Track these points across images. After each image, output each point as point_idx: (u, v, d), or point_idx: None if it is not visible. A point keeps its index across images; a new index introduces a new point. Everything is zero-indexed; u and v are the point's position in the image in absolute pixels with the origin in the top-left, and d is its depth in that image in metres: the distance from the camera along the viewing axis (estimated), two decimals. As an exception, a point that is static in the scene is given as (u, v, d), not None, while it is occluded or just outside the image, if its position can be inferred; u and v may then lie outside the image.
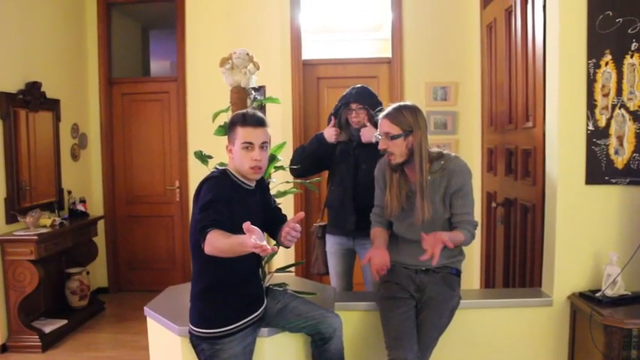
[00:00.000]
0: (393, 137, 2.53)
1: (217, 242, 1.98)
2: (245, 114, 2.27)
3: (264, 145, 2.26)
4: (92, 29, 5.63)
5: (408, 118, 2.54)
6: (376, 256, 2.56)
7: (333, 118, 3.21)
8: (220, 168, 2.36)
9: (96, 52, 5.65)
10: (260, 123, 2.26)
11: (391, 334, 2.44)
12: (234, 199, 2.19)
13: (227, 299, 2.28)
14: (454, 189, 2.57)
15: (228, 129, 2.31)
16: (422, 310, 2.52)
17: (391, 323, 2.47)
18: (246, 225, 1.87)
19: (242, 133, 2.23)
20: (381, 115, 2.61)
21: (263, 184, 2.49)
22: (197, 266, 2.31)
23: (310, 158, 3.21)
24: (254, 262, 2.37)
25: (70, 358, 4.18)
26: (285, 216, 2.49)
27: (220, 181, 2.24)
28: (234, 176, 2.29)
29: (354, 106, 3.12)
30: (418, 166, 2.53)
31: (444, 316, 2.52)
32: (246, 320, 2.31)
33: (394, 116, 2.55)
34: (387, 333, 2.47)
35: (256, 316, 2.37)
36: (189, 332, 2.33)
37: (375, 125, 3.09)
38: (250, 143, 2.22)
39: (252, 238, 1.84)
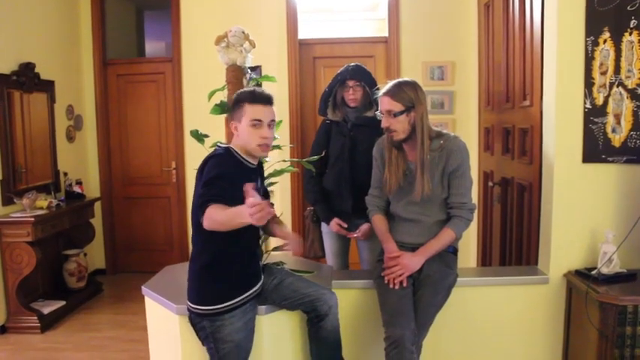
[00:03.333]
0: (396, 114, 2.51)
1: (216, 215, 1.98)
2: (253, 91, 2.25)
3: (271, 123, 2.25)
4: (86, 10, 5.57)
5: (409, 94, 2.52)
6: (409, 263, 2.54)
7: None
8: (223, 145, 2.32)
9: (90, 33, 5.59)
10: (269, 100, 2.25)
11: (388, 312, 2.45)
12: (237, 177, 2.15)
13: (227, 275, 2.28)
14: (452, 168, 2.56)
15: (233, 106, 2.28)
16: (419, 288, 2.52)
17: (388, 301, 2.48)
18: (247, 187, 1.86)
19: (251, 111, 2.21)
20: (380, 93, 2.59)
21: (261, 165, 2.49)
22: (198, 243, 2.30)
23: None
24: (254, 236, 2.38)
25: (69, 338, 4.20)
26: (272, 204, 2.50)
27: (225, 158, 2.22)
28: (238, 154, 2.27)
29: (350, 83, 3.09)
30: (420, 142, 2.52)
31: (440, 293, 2.53)
32: (245, 295, 2.31)
33: (395, 93, 2.52)
34: (384, 311, 2.48)
35: (254, 292, 2.37)
36: (188, 310, 2.33)
37: (371, 103, 3.07)
38: (259, 121, 2.20)
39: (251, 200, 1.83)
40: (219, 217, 1.97)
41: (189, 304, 2.32)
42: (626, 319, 2.44)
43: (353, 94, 3.10)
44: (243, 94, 2.26)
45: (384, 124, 2.56)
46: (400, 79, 2.61)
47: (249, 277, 2.37)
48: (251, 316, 2.36)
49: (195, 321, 2.31)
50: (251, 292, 2.35)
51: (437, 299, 2.51)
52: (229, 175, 2.13)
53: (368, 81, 3.10)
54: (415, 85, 2.56)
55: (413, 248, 2.60)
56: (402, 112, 2.51)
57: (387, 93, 2.54)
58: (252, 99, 2.22)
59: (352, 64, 3.18)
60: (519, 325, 2.87)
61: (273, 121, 2.27)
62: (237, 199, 1.97)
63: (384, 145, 2.67)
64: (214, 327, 2.25)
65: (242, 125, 2.23)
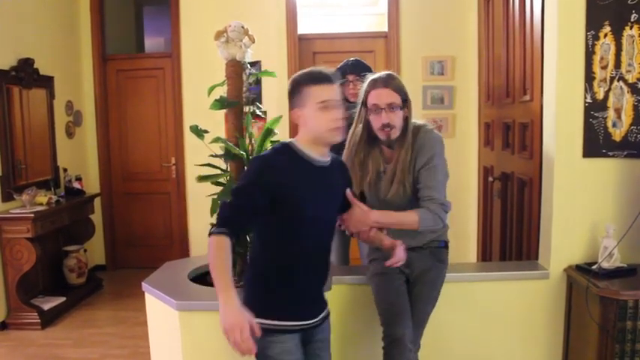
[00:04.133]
0: (399, 107, 2.34)
1: (212, 255, 1.81)
2: (312, 72, 2.00)
3: (339, 104, 1.99)
4: (85, 5, 5.55)
5: (402, 85, 2.39)
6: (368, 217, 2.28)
7: None
8: (284, 142, 2.05)
9: (89, 29, 5.58)
10: (333, 79, 2.00)
11: (387, 311, 2.41)
12: (295, 180, 1.93)
13: (282, 291, 2.01)
14: (421, 164, 2.36)
15: (291, 92, 2.01)
16: (414, 285, 2.49)
17: (386, 299, 2.45)
18: None
19: (316, 92, 1.95)
20: (375, 86, 2.36)
21: (341, 162, 2.26)
22: (256, 246, 2.09)
23: None
24: (322, 250, 2.12)
25: (69, 334, 4.20)
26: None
27: (271, 161, 1.96)
28: (300, 151, 1.99)
29: (351, 77, 3.09)
30: (408, 139, 2.36)
31: (436, 289, 2.51)
32: (299, 324, 2.03)
33: (393, 83, 2.36)
34: (382, 309, 2.44)
35: (311, 324, 2.07)
36: None
37: None
38: (328, 101, 1.95)
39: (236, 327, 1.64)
40: (211, 257, 1.81)
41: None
42: (627, 314, 2.44)
43: (353, 89, 3.09)
44: (302, 76, 2.01)
45: (383, 120, 2.34)
46: (385, 72, 2.45)
47: (306, 301, 2.08)
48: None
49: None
50: (306, 323, 2.06)
51: (434, 295, 2.49)
52: (264, 184, 1.89)
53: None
54: (397, 75, 2.45)
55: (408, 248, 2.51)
56: (402, 106, 2.35)
57: (387, 84, 2.35)
58: (315, 79, 1.96)
59: (352, 58, 3.18)
60: (520, 320, 2.86)
61: (339, 100, 2.00)
62: (300, 206, 1.90)
63: (357, 148, 2.46)
64: (265, 342, 1.93)
65: (308, 111, 1.96)
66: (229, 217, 1.88)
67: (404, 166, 2.37)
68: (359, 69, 3.10)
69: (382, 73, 2.42)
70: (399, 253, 2.22)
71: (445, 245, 2.61)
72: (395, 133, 2.36)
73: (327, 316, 2.15)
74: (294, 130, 4.97)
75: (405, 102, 2.37)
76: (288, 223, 1.96)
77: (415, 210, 2.33)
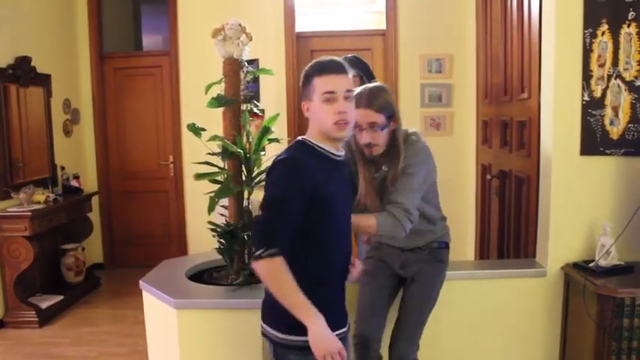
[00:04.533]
0: (381, 127, 2.25)
1: (277, 282, 1.74)
2: (319, 61, 1.87)
3: (348, 95, 1.84)
4: (82, 3, 5.54)
5: (388, 100, 2.27)
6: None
7: None
8: (298, 139, 1.92)
9: (86, 27, 5.56)
10: (341, 68, 1.85)
11: (360, 309, 2.40)
12: (324, 178, 1.80)
13: (322, 301, 1.80)
14: (399, 171, 2.27)
15: (303, 85, 1.91)
16: (410, 284, 2.46)
17: (362, 298, 2.44)
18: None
19: (320, 84, 1.82)
20: (358, 105, 2.16)
21: (347, 155, 2.11)
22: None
23: None
24: (345, 262, 1.98)
25: (66, 333, 4.20)
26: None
27: (300, 160, 1.81)
28: (318, 147, 1.87)
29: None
30: (398, 152, 2.27)
31: (436, 289, 2.49)
32: (340, 331, 1.90)
33: (376, 103, 2.24)
34: (357, 307, 2.43)
35: (341, 333, 1.91)
36: (271, 341, 1.89)
37: None
38: (332, 92, 1.80)
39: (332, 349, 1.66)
40: (276, 284, 1.74)
41: (272, 331, 1.87)
42: (624, 312, 2.44)
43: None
44: (310, 67, 1.89)
45: (364, 140, 2.26)
46: (370, 86, 2.34)
47: (340, 309, 1.96)
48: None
49: (280, 354, 1.87)
50: (343, 330, 1.93)
51: (432, 295, 2.47)
52: (300, 187, 1.76)
53: (365, 71, 3.09)
54: (386, 89, 2.34)
55: (402, 249, 2.52)
56: (386, 125, 2.26)
57: (369, 105, 2.23)
58: (319, 70, 1.84)
59: (350, 54, 3.17)
60: (517, 317, 2.87)
61: (351, 91, 1.85)
62: (331, 207, 1.80)
63: (355, 158, 2.38)
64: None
65: (314, 104, 1.84)
66: (274, 234, 1.75)
67: (394, 175, 2.28)
68: (356, 65, 3.09)
69: (367, 89, 2.30)
70: (352, 272, 1.99)
71: (446, 246, 2.58)
72: (378, 151, 2.30)
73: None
74: (291, 128, 5.00)
75: (391, 118, 2.27)
76: (320, 229, 1.83)
77: (375, 214, 2.24)
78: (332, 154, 1.88)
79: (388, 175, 2.31)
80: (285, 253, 1.74)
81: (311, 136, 1.89)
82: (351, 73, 1.87)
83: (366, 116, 2.22)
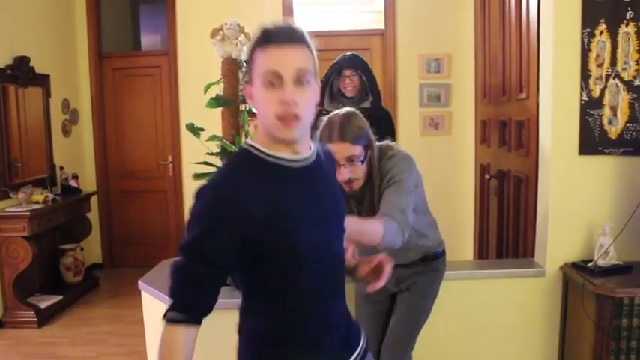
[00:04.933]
0: (360, 159, 2.01)
1: (163, 342, 1.28)
2: (264, 28, 1.32)
3: (303, 77, 1.27)
4: (81, 3, 5.54)
5: (362, 127, 2.03)
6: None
7: None
8: (242, 147, 1.40)
9: (85, 27, 5.56)
10: (290, 37, 1.29)
11: None
12: (270, 203, 1.28)
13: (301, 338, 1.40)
14: (385, 184, 2.04)
15: (247, 63, 1.41)
16: (405, 292, 2.39)
17: (358, 316, 2.37)
18: None
19: (260, 59, 1.28)
20: (331, 139, 1.96)
21: (326, 150, 1.55)
22: (243, 298, 1.44)
23: None
24: (330, 298, 1.45)
25: (66, 332, 4.20)
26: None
27: (225, 188, 1.28)
28: (265, 154, 1.33)
29: (347, 72, 3.07)
30: (377, 181, 2.07)
31: (430, 299, 2.42)
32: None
33: (349, 134, 1.97)
34: None
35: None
36: None
37: (368, 93, 3.03)
38: (275, 72, 1.26)
39: None
40: (162, 347, 1.28)
41: None
42: (622, 311, 2.45)
43: (350, 83, 3.08)
44: (255, 37, 1.34)
45: (343, 177, 1.99)
46: (341, 113, 2.04)
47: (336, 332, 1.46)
48: None
49: None
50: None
51: (424, 305, 2.40)
52: (224, 225, 1.26)
53: (364, 69, 3.09)
54: (356, 112, 2.07)
55: (395, 265, 2.19)
56: (365, 155, 2.02)
57: (345, 137, 1.97)
58: (261, 41, 1.30)
59: (349, 53, 3.17)
60: (515, 317, 2.87)
61: (306, 70, 1.28)
62: (288, 230, 1.29)
63: None
64: None
65: (255, 89, 1.31)
66: (185, 294, 1.30)
67: (378, 197, 2.06)
68: (355, 63, 3.09)
69: (336, 119, 2.02)
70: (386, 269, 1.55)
71: (442, 254, 2.46)
72: (358, 185, 2.08)
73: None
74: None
75: (368, 146, 2.03)
76: (278, 268, 1.33)
77: (378, 218, 1.91)
78: (288, 160, 1.33)
79: (374, 200, 2.08)
80: (201, 317, 1.31)
81: (259, 138, 1.36)
82: (310, 45, 1.34)
83: (342, 151, 1.95)
